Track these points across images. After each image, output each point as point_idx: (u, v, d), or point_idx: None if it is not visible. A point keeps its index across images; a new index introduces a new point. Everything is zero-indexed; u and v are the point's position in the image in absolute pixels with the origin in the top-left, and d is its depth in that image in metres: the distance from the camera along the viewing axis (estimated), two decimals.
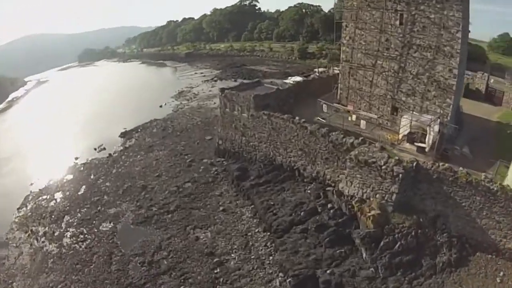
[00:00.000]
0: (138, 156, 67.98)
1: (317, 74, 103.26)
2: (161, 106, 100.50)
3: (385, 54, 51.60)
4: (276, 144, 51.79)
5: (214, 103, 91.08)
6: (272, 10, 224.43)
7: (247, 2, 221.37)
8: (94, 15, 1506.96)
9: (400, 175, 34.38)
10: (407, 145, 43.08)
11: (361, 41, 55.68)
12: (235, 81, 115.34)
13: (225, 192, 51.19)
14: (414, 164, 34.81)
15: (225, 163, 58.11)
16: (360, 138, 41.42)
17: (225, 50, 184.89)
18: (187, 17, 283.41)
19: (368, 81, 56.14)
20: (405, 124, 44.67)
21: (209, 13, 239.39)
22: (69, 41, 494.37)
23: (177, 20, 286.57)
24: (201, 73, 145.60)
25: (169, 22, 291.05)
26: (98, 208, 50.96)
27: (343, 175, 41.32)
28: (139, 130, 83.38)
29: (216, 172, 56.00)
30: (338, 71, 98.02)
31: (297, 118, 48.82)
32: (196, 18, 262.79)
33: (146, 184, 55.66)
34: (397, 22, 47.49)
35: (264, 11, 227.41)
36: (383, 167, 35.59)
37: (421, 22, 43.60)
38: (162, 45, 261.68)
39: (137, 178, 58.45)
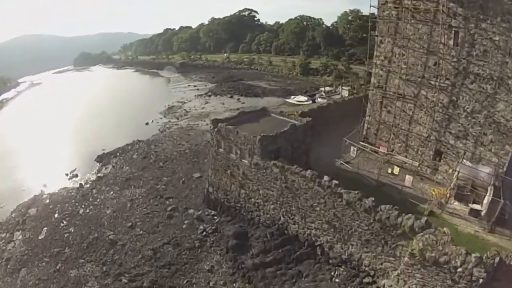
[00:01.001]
0: (112, 193, 53.38)
1: (324, 94, 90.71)
2: (147, 124, 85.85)
3: (432, 82, 39.62)
4: (291, 209, 35.52)
5: (207, 124, 75.36)
6: (271, 22, 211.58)
7: (246, 13, 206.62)
8: (93, 18, 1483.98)
9: (481, 280, 21.81)
10: (455, 205, 33.66)
11: (401, 62, 42.37)
12: (231, 97, 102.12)
13: (216, 266, 35.56)
14: (496, 260, 22.30)
15: (216, 218, 42.62)
16: (424, 219, 26.19)
17: (221, 62, 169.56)
18: (184, 25, 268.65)
19: (406, 116, 43.77)
20: (457, 176, 34.30)
21: (207, 22, 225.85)
22: (67, 43, 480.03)
23: (174, 29, 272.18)
24: (195, 86, 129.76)
25: (166, 30, 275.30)
26: (58, 266, 38.40)
27: (392, 267, 27.74)
28: (118, 153, 68.56)
29: (204, 233, 40.21)
30: (346, 91, 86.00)
31: (326, 178, 32.07)
32: (193, 27, 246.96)
33: (116, 238, 41.64)
34: (451, 42, 36.30)
35: (263, 23, 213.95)
36: (459, 270, 22.37)
37: (482, 45, 33.45)
38: (157, 53, 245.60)
39: (106, 226, 44.63)
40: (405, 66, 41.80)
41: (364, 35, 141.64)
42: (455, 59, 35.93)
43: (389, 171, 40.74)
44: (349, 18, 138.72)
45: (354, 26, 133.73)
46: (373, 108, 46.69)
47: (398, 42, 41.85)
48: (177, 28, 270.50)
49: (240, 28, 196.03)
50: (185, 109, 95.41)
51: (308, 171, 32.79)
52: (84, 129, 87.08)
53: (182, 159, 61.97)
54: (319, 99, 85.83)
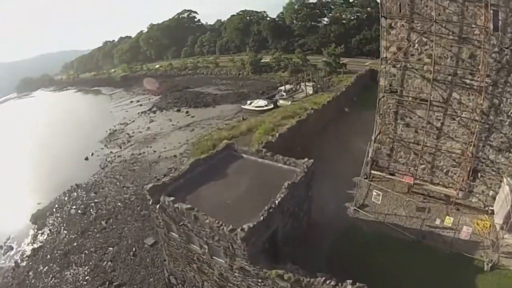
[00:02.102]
0: (50, 276, 35.95)
1: (285, 94, 76.25)
2: (87, 159, 66.37)
3: (467, 81, 27.37)
4: None
5: (154, 151, 60.92)
6: (212, 22, 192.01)
7: (185, 15, 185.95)
8: (32, 39, 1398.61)
9: None
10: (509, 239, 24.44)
11: (423, 55, 28.62)
12: (179, 110, 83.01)
13: None
14: None
15: None
16: None
17: (164, 70, 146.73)
18: (124, 36, 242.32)
19: (433, 129, 30.59)
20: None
21: (146, 29, 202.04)
22: (8, 69, 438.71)
23: (114, 40, 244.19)
24: (138, 101, 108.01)
25: (105, 43, 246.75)
26: None
27: None
28: (54, 209, 49.92)
29: None
30: (310, 88, 72.08)
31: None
32: (133, 36, 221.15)
33: None
34: (491, 25, 24.56)
35: (203, 23, 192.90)
36: None
37: None
38: (98, 69, 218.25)
39: None
40: (429, 60, 27.38)
41: (312, 23, 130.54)
42: (496, 49, 24.45)
43: (437, 222, 26.73)
44: (296, 7, 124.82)
45: (302, 15, 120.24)
46: (385, 121, 31.85)
47: (417, 26, 27.44)
48: (116, 40, 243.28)
49: (181, 32, 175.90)
50: (128, 133, 76.21)
51: None
52: (16, 177, 66.50)
53: (129, 212, 44.60)
54: (281, 101, 70.49)
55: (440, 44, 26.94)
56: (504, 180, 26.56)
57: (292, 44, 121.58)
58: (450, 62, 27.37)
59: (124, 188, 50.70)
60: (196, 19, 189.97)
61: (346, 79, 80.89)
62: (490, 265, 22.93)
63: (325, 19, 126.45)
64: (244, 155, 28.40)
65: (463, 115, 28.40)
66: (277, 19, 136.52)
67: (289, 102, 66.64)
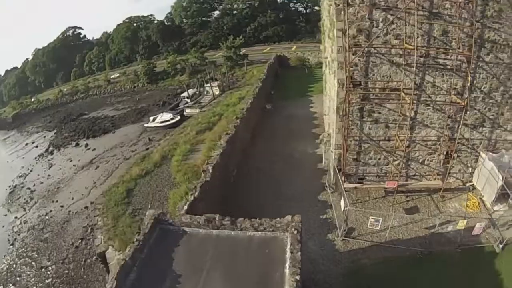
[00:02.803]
0: None
1: (190, 101, 66.84)
2: None
3: (440, 61, 23.75)
4: None
5: (61, 206, 46.21)
6: (98, 36, 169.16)
7: (70, 32, 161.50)
8: None
9: None
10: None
11: (390, 36, 23.64)
12: (77, 145, 66.52)
13: None
14: None
15: None
16: None
17: (55, 98, 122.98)
18: (10, 67, 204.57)
19: (406, 119, 25.53)
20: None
21: (31, 56, 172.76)
22: None
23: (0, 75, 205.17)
24: (33, 142, 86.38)
25: None
26: None
27: None
28: None
29: None
30: (217, 88, 63.97)
31: None
32: (19, 66, 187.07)
33: None
34: None
35: (90, 39, 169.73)
36: None
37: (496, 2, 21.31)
38: None
39: None
40: (397, 41, 22.61)
41: (203, 18, 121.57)
42: (467, 23, 21.92)
43: (449, 229, 21.90)
44: (184, 4, 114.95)
45: (192, 11, 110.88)
46: (347, 123, 25.31)
47: (380, 2, 22.07)
48: (2, 74, 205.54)
49: (67, 52, 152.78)
50: (29, 188, 58.34)
51: None
52: None
53: None
54: (188, 110, 59.78)
55: (409, 21, 22.03)
56: (483, 155, 25.44)
57: (184, 44, 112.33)
58: (421, 42, 22.63)
59: (43, 269, 38.15)
60: (82, 36, 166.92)
61: (250, 71, 73.81)
62: (500, 245, 21.29)
63: (216, 12, 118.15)
64: (187, 229, 17.27)
65: (438, 99, 24.56)
66: (165, 21, 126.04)
67: (198, 110, 57.65)
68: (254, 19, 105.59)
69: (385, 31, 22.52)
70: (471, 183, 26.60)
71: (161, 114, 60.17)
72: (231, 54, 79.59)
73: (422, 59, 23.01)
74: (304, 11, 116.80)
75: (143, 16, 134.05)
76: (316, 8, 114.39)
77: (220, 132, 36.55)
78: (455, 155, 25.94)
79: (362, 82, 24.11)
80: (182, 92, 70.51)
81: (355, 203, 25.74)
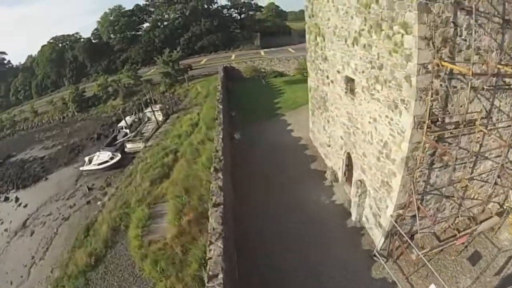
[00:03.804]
0: None
1: (130, 132, 50.94)
2: None
3: (506, 80, 15.21)
4: None
5: None
6: (23, 61, 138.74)
7: None
8: None
9: None
10: None
11: (470, 49, 13.01)
12: (7, 199, 46.28)
13: None
14: None
15: None
16: None
17: None
18: None
19: (471, 156, 16.15)
20: None
21: None
22: None
23: None
24: None
25: None
26: None
27: None
28: None
29: None
30: (159, 113, 48.91)
31: None
32: None
33: None
34: None
35: (16, 65, 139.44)
36: None
37: None
38: None
39: None
40: (477, 57, 13.17)
41: (132, 32, 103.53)
42: None
43: None
44: (111, 18, 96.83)
45: (120, 25, 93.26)
46: (410, 175, 15.35)
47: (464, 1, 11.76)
48: None
49: None
50: None
51: None
52: None
53: None
54: (129, 145, 45.43)
55: (488, 30, 13.22)
56: None
57: (114, 62, 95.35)
58: (495, 57, 13.88)
59: None
60: (6, 61, 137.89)
61: (193, 87, 59.34)
62: None
63: (146, 24, 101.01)
64: None
65: (500, 125, 16.17)
66: (92, 38, 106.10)
67: (142, 145, 43.00)
68: (187, 29, 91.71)
69: (467, 42, 13.42)
70: (507, 204, 19.51)
71: (98, 153, 44.50)
72: (169, 70, 63.76)
73: (494, 79, 14.88)
74: (239, 17, 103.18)
75: (68, 35, 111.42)
76: (251, 13, 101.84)
77: (182, 181, 25.87)
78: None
79: (439, 118, 14.68)
80: (118, 121, 54.62)
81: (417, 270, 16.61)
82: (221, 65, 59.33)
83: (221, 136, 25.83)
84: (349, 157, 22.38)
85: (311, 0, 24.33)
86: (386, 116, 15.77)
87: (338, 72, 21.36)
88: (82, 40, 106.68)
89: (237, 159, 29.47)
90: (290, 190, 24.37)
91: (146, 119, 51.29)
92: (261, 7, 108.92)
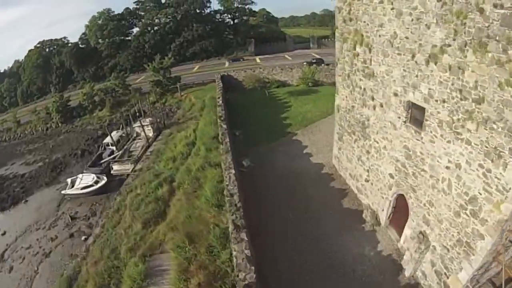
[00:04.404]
0: None
1: (117, 150, 41.20)
2: None
3: None
4: None
5: None
6: (10, 65, 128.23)
7: None
8: None
9: None
10: None
11: None
12: None
13: None
14: None
15: None
16: None
17: None
18: None
19: None
20: None
21: None
22: None
23: None
24: None
25: None
26: None
27: None
28: None
29: None
30: (149, 128, 42.26)
31: None
32: None
33: None
34: None
35: (3, 70, 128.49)
36: None
37: None
38: None
39: None
40: None
41: (121, 38, 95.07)
42: None
43: None
44: (100, 22, 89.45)
45: (108, 30, 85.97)
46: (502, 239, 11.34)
47: None
48: None
49: None
50: None
51: None
52: None
53: None
54: (116, 167, 37.96)
55: None
56: None
57: (102, 68, 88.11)
58: None
59: None
60: None
61: (186, 98, 52.76)
62: None
63: (136, 29, 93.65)
64: None
65: None
66: (80, 43, 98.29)
67: (131, 166, 36.41)
68: (178, 34, 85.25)
69: None
70: None
71: (81, 175, 37.47)
72: (160, 78, 56.71)
73: None
74: (232, 22, 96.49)
75: (55, 40, 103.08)
76: (244, 18, 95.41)
77: (183, 224, 19.86)
78: None
79: None
80: (104, 135, 47.72)
81: None
82: (217, 74, 52.40)
83: (232, 172, 19.43)
84: (398, 199, 17.37)
85: (347, 1, 18.12)
86: (480, 166, 11.31)
87: (395, 94, 15.49)
88: (69, 45, 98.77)
89: (249, 195, 22.68)
90: (321, 239, 18.76)
91: (135, 135, 44.38)
92: (255, 12, 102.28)
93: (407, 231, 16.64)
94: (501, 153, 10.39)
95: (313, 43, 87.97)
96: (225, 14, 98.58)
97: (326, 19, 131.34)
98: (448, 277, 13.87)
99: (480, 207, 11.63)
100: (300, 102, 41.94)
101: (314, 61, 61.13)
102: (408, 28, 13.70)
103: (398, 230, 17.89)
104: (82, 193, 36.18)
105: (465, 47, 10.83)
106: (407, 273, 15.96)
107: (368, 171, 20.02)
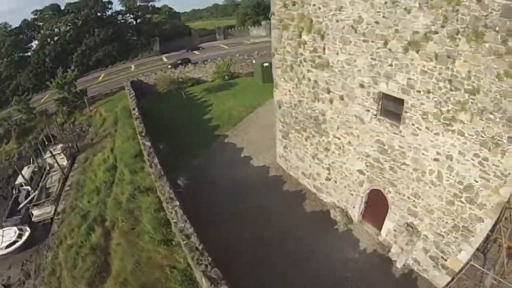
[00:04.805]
0: None
1: (28, 188, 35.53)
2: None
3: None
4: None
5: None
6: None
7: None
8: None
9: None
10: None
11: None
12: None
13: None
14: None
15: None
16: None
17: None
18: None
19: None
20: None
21: None
22: None
23: None
24: None
25: None
26: None
27: None
28: None
29: None
30: (62, 157, 35.90)
31: None
32: None
33: None
34: None
35: None
36: None
37: None
38: None
39: None
40: None
41: (20, 54, 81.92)
42: None
43: None
44: None
45: (6, 47, 73.74)
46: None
47: None
48: None
49: None
50: None
51: None
52: None
53: None
54: (37, 212, 29.03)
55: None
56: None
57: (3, 93, 74.62)
58: None
59: None
60: None
61: (95, 112, 46.59)
62: None
63: (35, 42, 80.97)
64: None
65: None
66: None
67: (51, 208, 30.12)
68: (80, 42, 75.26)
69: None
70: None
71: (1, 231, 29.66)
72: (65, 94, 48.78)
73: None
74: (135, 22, 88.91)
75: None
76: (147, 16, 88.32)
77: (133, 276, 15.73)
78: None
79: None
80: (15, 173, 39.02)
81: None
82: (126, 81, 46.41)
83: (177, 204, 15.95)
84: (371, 194, 16.08)
85: None
86: (476, 156, 10.90)
87: (361, 86, 13.37)
88: None
89: (195, 225, 16.17)
90: (302, 257, 16.14)
91: (48, 167, 37.28)
92: (158, 9, 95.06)
93: (388, 224, 15.44)
94: (499, 142, 10.09)
95: (219, 34, 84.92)
96: (128, 15, 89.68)
97: (229, 9, 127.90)
98: (446, 260, 13.47)
99: (477, 193, 11.27)
100: (221, 99, 38.07)
101: (180, 62, 56.81)
102: (379, 12, 11.79)
103: (374, 223, 16.65)
104: (8, 253, 29.14)
105: (457, 35, 9.86)
106: (399, 265, 15.05)
107: (328, 169, 18.08)
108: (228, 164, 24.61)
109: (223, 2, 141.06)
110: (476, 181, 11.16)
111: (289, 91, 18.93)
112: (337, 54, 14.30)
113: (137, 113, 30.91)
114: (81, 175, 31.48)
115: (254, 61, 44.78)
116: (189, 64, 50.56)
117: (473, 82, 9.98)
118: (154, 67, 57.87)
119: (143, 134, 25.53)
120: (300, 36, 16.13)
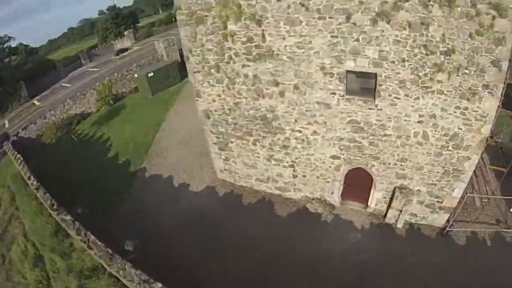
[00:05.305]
0: None
1: None
2: None
3: None
4: None
5: None
6: None
7: None
8: None
9: None
10: None
11: None
12: None
13: None
14: None
15: None
16: None
17: None
18: None
19: None
20: None
21: None
22: None
23: None
24: None
25: None
26: None
27: None
28: None
29: None
30: None
31: None
32: None
33: None
34: None
35: None
36: None
37: None
38: None
39: None
40: None
41: None
42: None
43: None
44: None
45: None
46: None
47: None
48: None
49: None
50: None
51: None
52: None
53: None
54: None
55: None
56: None
57: None
58: None
59: None
60: None
61: None
62: None
63: None
64: None
65: None
66: None
67: None
68: None
69: None
70: None
71: None
72: None
73: None
74: None
75: None
76: (6, 60, 73.76)
77: None
78: None
79: None
80: None
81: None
82: (6, 142, 37.02)
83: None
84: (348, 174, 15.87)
85: None
86: (457, 108, 11.71)
87: (322, 68, 12.04)
88: None
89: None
90: (317, 267, 14.50)
91: None
92: (15, 48, 79.97)
93: (377, 195, 15.57)
94: (475, 91, 11.08)
95: (84, 58, 76.04)
96: None
97: (86, 29, 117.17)
98: (442, 202, 14.37)
99: (462, 138, 12.27)
100: (116, 128, 32.59)
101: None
102: None
103: (356, 199, 16.57)
104: None
105: (429, 2, 10.12)
106: (399, 225, 15.46)
107: (292, 166, 16.88)
108: (166, 203, 20.20)
109: (78, 24, 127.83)
110: (460, 129, 12.01)
111: (219, 96, 16.35)
112: (284, 39, 12.68)
113: (35, 182, 24.42)
114: (7, 283, 23.83)
115: (136, 75, 40.16)
116: (67, 100, 42.93)
117: (448, 44, 10.63)
118: (30, 115, 48.09)
119: (54, 207, 20.10)
120: (225, 27, 13.80)
